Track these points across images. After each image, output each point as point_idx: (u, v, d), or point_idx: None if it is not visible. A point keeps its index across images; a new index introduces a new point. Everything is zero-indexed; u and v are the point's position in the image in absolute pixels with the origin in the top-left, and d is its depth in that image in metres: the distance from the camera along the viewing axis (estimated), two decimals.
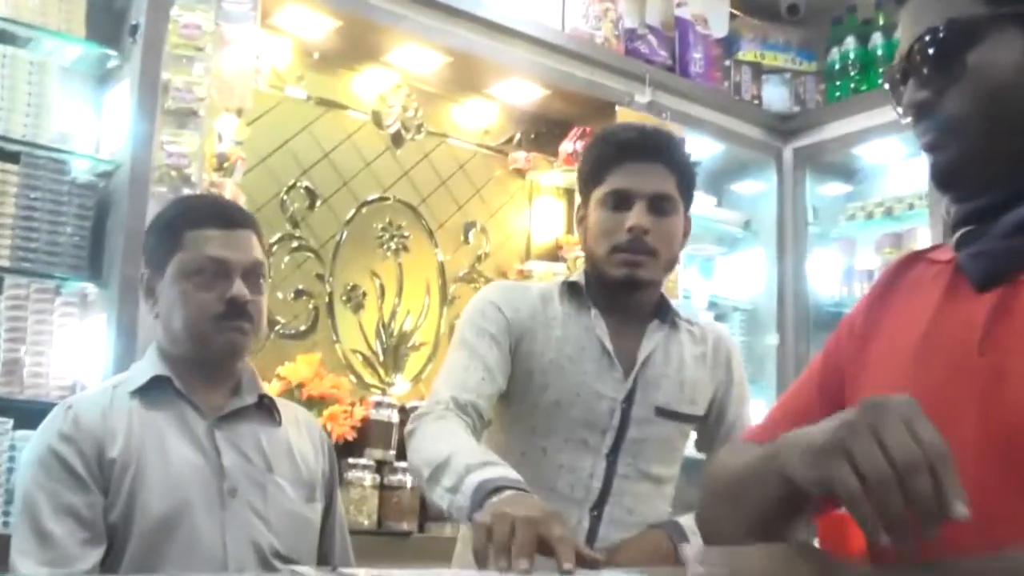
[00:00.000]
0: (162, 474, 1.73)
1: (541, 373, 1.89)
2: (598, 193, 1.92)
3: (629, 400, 1.91)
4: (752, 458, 1.11)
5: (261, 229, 1.95)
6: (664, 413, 1.94)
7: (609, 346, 1.91)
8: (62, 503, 1.66)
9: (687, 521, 1.88)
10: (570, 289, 1.97)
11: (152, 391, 1.82)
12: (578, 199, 2.05)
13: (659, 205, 1.89)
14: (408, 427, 1.80)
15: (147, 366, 1.87)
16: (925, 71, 1.12)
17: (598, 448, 1.89)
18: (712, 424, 2.01)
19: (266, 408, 1.93)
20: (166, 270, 1.84)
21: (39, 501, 1.66)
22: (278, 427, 1.92)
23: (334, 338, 3.77)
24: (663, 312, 2.00)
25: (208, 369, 1.86)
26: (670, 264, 1.94)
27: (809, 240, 4.79)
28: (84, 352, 2.98)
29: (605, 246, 1.89)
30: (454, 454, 1.60)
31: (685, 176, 1.94)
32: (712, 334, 2.07)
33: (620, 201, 1.89)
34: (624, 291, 1.92)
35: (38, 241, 2.97)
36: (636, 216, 1.86)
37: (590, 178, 1.96)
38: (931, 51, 1.11)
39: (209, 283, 1.81)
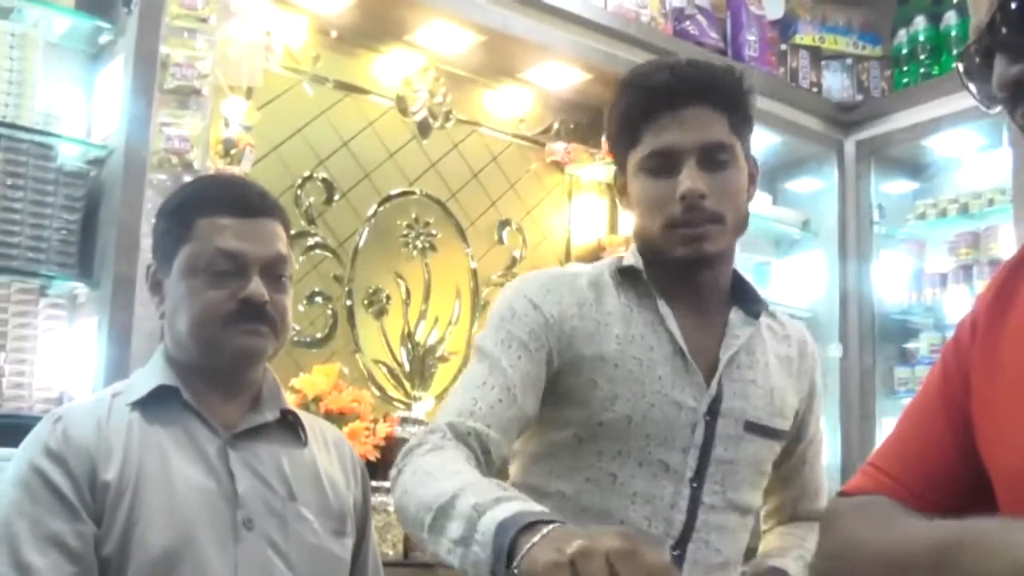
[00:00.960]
0: (165, 501, 1.54)
1: (607, 382, 1.52)
2: (635, 157, 1.57)
3: (713, 411, 1.55)
4: (921, 545, 0.93)
5: (287, 218, 1.74)
6: (754, 428, 1.59)
7: (683, 343, 1.55)
8: (46, 532, 1.48)
9: (795, 570, 1.61)
10: (626, 274, 1.61)
11: (156, 403, 1.63)
12: (613, 167, 1.69)
13: (713, 158, 1.53)
14: (394, 468, 1.43)
15: (151, 373, 1.67)
16: (1021, 40, 0.95)
17: (680, 472, 1.53)
18: (790, 442, 1.70)
19: (290, 425, 1.72)
20: (173, 263, 1.65)
21: (20, 529, 1.48)
22: (303, 448, 1.72)
23: (354, 347, 3.52)
24: (744, 298, 1.63)
25: (221, 379, 1.67)
26: (740, 225, 1.58)
27: (874, 241, 4.52)
28: (72, 360, 2.77)
29: (658, 221, 1.54)
30: (457, 494, 1.22)
31: (739, 111, 1.58)
32: (796, 333, 1.73)
33: (664, 163, 1.53)
34: (691, 272, 1.56)
35: (20, 235, 2.73)
36: (688, 179, 1.50)
37: (622, 140, 1.61)
38: None
39: (221, 279, 1.62)
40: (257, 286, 1.61)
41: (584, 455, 1.54)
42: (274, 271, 1.65)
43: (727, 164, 1.54)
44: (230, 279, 1.61)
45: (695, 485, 1.53)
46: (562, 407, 1.55)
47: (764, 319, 1.65)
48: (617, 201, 1.76)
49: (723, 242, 1.54)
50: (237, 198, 1.68)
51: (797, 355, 1.69)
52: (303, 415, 1.79)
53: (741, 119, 1.58)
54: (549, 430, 1.57)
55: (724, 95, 1.56)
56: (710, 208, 1.50)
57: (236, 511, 1.58)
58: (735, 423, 1.56)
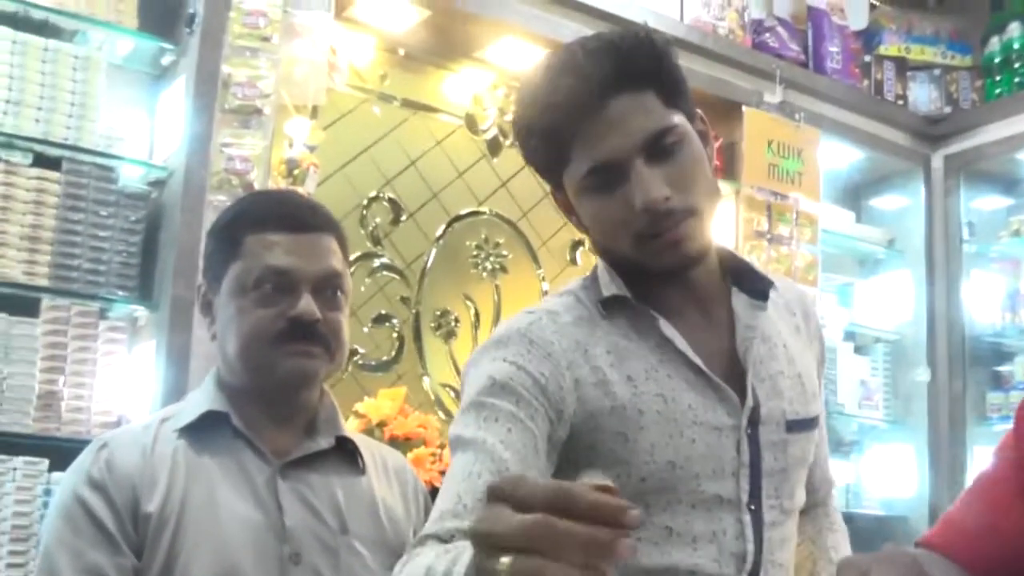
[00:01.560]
0: (209, 533, 1.49)
1: (637, 431, 1.32)
2: (572, 177, 1.36)
3: (754, 421, 1.38)
4: None
5: (343, 233, 1.67)
6: (796, 426, 1.42)
7: (700, 362, 1.37)
8: (86, 564, 1.44)
9: None
10: (612, 304, 1.41)
11: (205, 429, 1.57)
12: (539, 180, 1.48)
13: (659, 147, 1.32)
14: None
15: (201, 398, 1.62)
16: None
17: (735, 500, 1.36)
18: None
19: (348, 452, 1.65)
20: (223, 282, 1.60)
21: (59, 561, 1.45)
22: (360, 476, 1.65)
23: (421, 370, 3.42)
24: (739, 275, 1.44)
25: (272, 403, 1.60)
26: (714, 197, 1.38)
27: (964, 260, 4.35)
28: (131, 384, 2.73)
29: (625, 238, 1.34)
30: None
31: (664, 77, 1.34)
32: (790, 292, 1.55)
33: (608, 176, 1.33)
34: (679, 274, 1.38)
35: (80, 258, 2.71)
36: (641, 186, 1.30)
37: (548, 162, 1.40)
38: None
39: (270, 298, 1.56)
40: (308, 304, 1.54)
41: None
42: (327, 288, 1.58)
43: (677, 146, 1.32)
44: (280, 297, 1.55)
45: (753, 508, 1.37)
46: (591, 469, 1.38)
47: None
48: (564, 216, 1.49)
49: (704, 232, 1.35)
50: (287, 213, 1.61)
51: (802, 318, 1.53)
52: (362, 440, 1.71)
53: (670, 84, 1.35)
54: None
55: (641, 71, 1.33)
56: (678, 205, 1.31)
57: (283, 545, 1.51)
58: (776, 427, 1.39)
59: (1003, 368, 4.29)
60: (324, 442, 1.62)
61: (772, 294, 1.44)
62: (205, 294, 1.64)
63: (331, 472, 1.61)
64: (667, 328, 1.36)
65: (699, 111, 1.40)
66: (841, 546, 1.57)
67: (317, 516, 1.55)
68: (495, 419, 1.26)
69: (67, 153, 2.71)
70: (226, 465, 1.54)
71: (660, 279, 1.37)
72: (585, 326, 1.37)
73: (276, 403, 1.60)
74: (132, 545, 1.46)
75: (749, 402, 1.36)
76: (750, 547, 1.34)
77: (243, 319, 1.55)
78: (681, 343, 1.36)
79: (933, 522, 4.09)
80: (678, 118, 1.33)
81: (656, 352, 1.36)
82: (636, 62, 1.31)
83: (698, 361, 1.35)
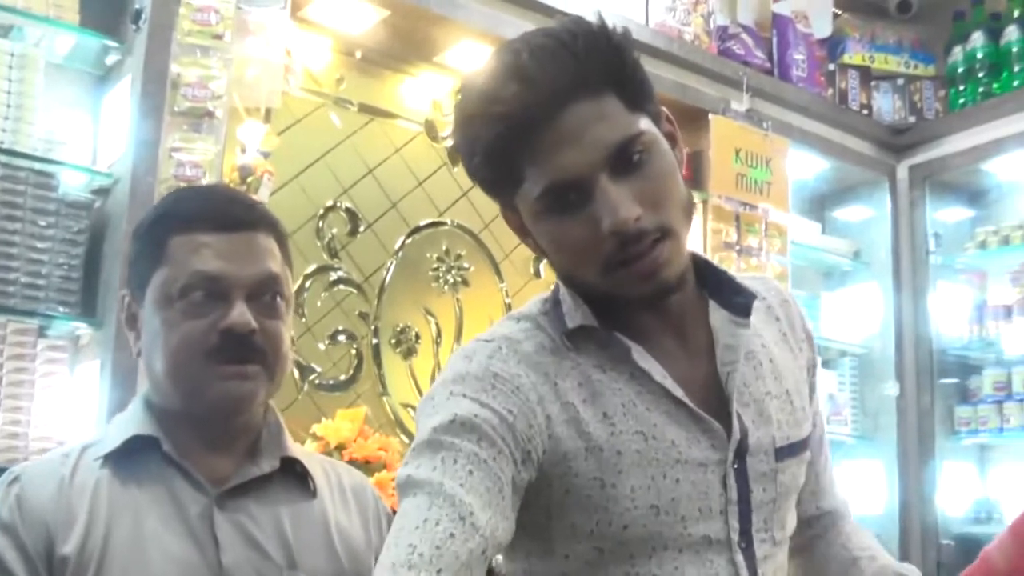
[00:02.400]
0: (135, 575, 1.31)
1: (615, 475, 1.19)
2: (526, 198, 1.19)
3: (741, 452, 1.23)
4: None
5: (283, 230, 1.51)
6: (786, 452, 1.28)
7: (681, 393, 1.22)
8: None
9: None
10: (578, 335, 1.25)
11: (132, 457, 1.39)
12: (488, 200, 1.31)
13: (625, 158, 1.15)
14: None
15: (127, 422, 1.43)
16: None
17: (724, 539, 1.22)
18: None
19: (296, 475, 1.48)
20: (147, 291, 1.42)
21: None
22: (311, 500, 1.48)
23: (381, 390, 3.27)
24: (716, 286, 1.30)
25: (206, 428, 1.43)
26: (688, 210, 1.22)
27: (930, 272, 4.31)
28: (73, 407, 2.56)
29: (592, 266, 1.18)
30: None
31: (626, 78, 1.18)
32: (771, 295, 1.39)
33: (567, 195, 1.16)
34: (651, 301, 1.23)
35: (17, 271, 2.53)
36: (608, 207, 1.14)
37: (496, 182, 1.23)
38: None
39: (200, 308, 1.38)
40: (241, 313, 1.38)
41: (612, 567, 1.21)
42: (264, 293, 1.42)
43: (645, 156, 1.16)
44: (211, 307, 1.38)
45: (744, 546, 1.23)
46: (565, 517, 1.21)
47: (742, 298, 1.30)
48: (521, 241, 1.31)
49: (682, 253, 1.21)
50: (216, 210, 1.44)
51: (787, 323, 1.38)
52: (314, 459, 1.55)
53: (633, 84, 1.18)
54: (556, 547, 1.22)
55: (598, 72, 1.15)
56: (650, 225, 1.15)
57: None
58: (765, 456, 1.25)
59: (971, 382, 4.24)
60: (267, 465, 1.45)
61: (755, 302, 1.30)
62: (129, 305, 1.47)
63: (277, 499, 1.45)
64: (642, 358, 1.21)
65: (665, 110, 1.24)
66: (873, 545, 1.46)
67: (259, 551, 1.39)
68: (453, 460, 1.10)
69: (2, 158, 2.52)
70: (156, 496, 1.37)
71: (632, 305, 1.22)
72: (550, 356, 1.22)
73: (212, 427, 1.43)
74: None
75: (735, 433, 1.22)
76: None
77: (170, 333, 1.39)
78: (659, 373, 1.21)
79: (903, 539, 4.01)
80: (644, 123, 1.17)
81: (632, 384, 1.21)
82: (592, 62, 1.14)
83: (678, 393, 1.21)
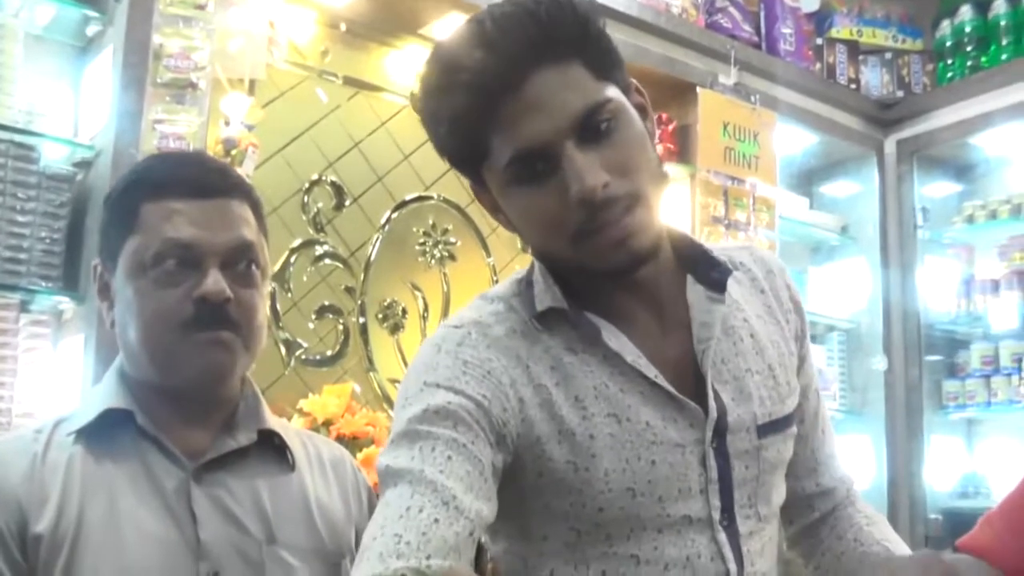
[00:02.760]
0: (112, 553, 1.28)
1: (588, 459, 1.17)
2: (493, 170, 1.17)
3: (720, 431, 1.21)
4: None
5: (257, 197, 1.47)
6: (769, 428, 1.26)
7: (655, 375, 1.20)
8: None
9: None
10: (548, 317, 1.23)
11: (106, 431, 1.35)
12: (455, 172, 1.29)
13: (592, 126, 1.13)
14: None
15: (101, 396, 1.40)
16: None
17: (706, 518, 1.21)
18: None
19: (274, 448, 1.45)
20: (119, 260, 1.40)
21: None
22: (290, 474, 1.45)
23: (368, 365, 3.24)
24: (693, 260, 1.27)
25: (182, 400, 1.40)
26: (659, 178, 1.20)
27: (918, 247, 4.30)
28: (56, 383, 2.53)
29: (562, 237, 1.16)
30: None
31: (591, 46, 1.16)
32: (756, 264, 1.36)
33: (534, 164, 1.14)
34: (623, 275, 1.21)
35: None
36: (575, 174, 1.12)
37: (463, 154, 1.20)
38: None
39: (173, 276, 1.36)
40: (216, 281, 1.35)
41: (589, 548, 1.20)
42: (239, 261, 1.39)
43: (613, 124, 1.15)
44: (184, 275, 1.36)
45: (725, 524, 1.22)
46: (540, 498, 1.19)
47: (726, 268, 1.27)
48: (487, 211, 1.29)
49: (653, 221, 1.18)
50: (188, 176, 1.41)
51: (772, 293, 1.34)
52: (292, 431, 1.52)
53: (599, 52, 1.16)
54: (533, 528, 1.21)
55: (563, 38, 1.13)
56: (619, 192, 1.13)
57: (199, 562, 1.31)
58: (747, 434, 1.23)
59: (959, 357, 4.24)
60: (244, 438, 1.42)
61: (737, 274, 1.29)
62: (101, 275, 1.44)
63: (254, 472, 1.42)
64: (613, 339, 1.19)
65: (635, 81, 1.22)
66: (889, 536, 1.42)
67: (238, 525, 1.36)
68: (432, 448, 1.08)
69: None
70: (130, 472, 1.34)
71: (605, 277, 1.20)
72: (521, 339, 1.20)
73: (187, 399, 1.40)
74: (20, 574, 1.26)
75: (712, 412, 1.20)
76: (732, 567, 1.20)
77: (143, 303, 1.36)
78: (631, 354, 1.19)
79: (891, 514, 4.00)
80: (611, 91, 1.15)
81: (605, 365, 1.20)
82: (557, 28, 1.12)
83: (651, 373, 1.19)
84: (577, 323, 1.20)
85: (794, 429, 1.31)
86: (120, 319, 1.39)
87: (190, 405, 1.40)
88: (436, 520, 1.02)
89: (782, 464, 1.30)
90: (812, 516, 1.43)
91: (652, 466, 1.17)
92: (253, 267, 1.40)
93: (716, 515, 1.20)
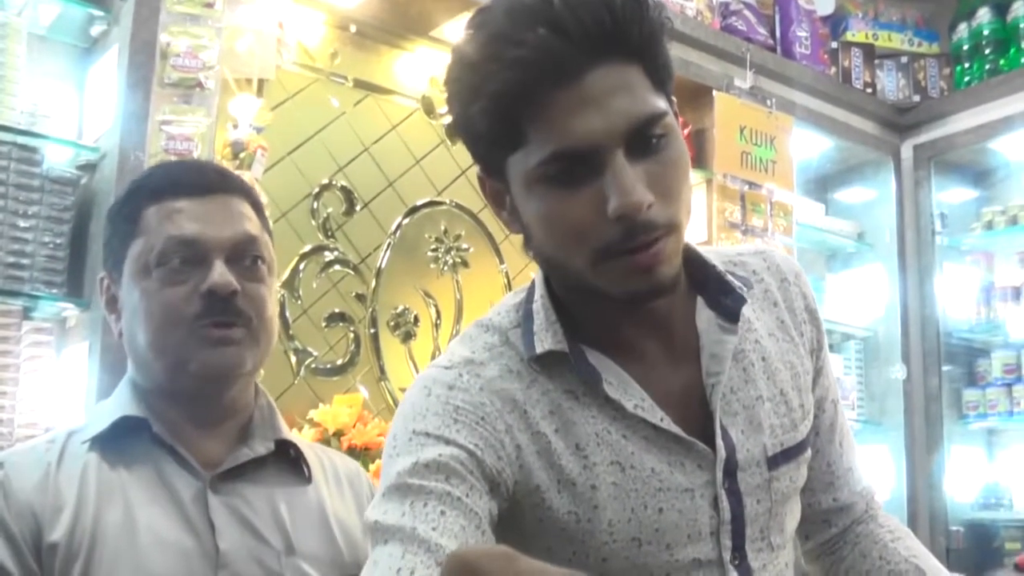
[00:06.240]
0: (128, 563, 1.26)
1: (590, 509, 1.09)
2: (524, 162, 1.05)
3: (730, 470, 1.13)
4: None
5: (257, 197, 1.48)
6: (780, 458, 1.18)
7: (655, 415, 1.11)
8: None
9: None
10: (545, 357, 1.13)
11: (120, 440, 1.34)
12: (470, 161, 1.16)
13: (644, 139, 1.03)
14: None
15: (114, 405, 1.39)
16: None
17: (716, 558, 1.14)
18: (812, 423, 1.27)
19: (290, 459, 1.45)
20: (124, 267, 1.39)
21: None
22: (306, 485, 1.45)
23: (379, 374, 3.17)
24: (704, 282, 1.18)
25: (195, 404, 1.38)
26: (689, 215, 1.09)
27: (936, 253, 4.23)
28: (60, 391, 2.46)
29: (583, 252, 1.05)
30: None
31: (654, 51, 1.05)
32: (769, 275, 1.27)
33: (576, 165, 1.02)
34: (638, 304, 1.11)
35: (0, 250, 2.42)
36: (621, 186, 1.00)
37: (492, 140, 1.07)
38: None
39: (179, 274, 1.35)
40: (222, 274, 1.34)
41: None
42: (244, 256, 1.39)
43: (664, 141, 1.04)
44: (190, 272, 1.35)
45: (737, 562, 1.14)
46: (541, 541, 1.11)
47: (736, 284, 1.18)
48: (496, 214, 1.16)
49: (679, 253, 1.09)
50: (188, 177, 1.42)
51: (785, 305, 1.25)
52: (308, 445, 1.51)
53: (660, 62, 1.06)
54: None
55: (634, 38, 1.02)
56: (659, 217, 1.02)
57: (217, 572, 1.30)
58: (757, 468, 1.15)
59: (979, 365, 4.16)
60: (261, 447, 1.41)
61: (746, 277, 1.20)
62: (108, 288, 1.43)
63: (272, 482, 1.41)
64: (614, 383, 1.10)
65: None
66: (917, 550, 1.33)
67: (257, 535, 1.35)
68: (424, 503, 1.00)
69: None
70: (146, 480, 1.33)
71: (616, 303, 1.09)
72: (517, 380, 1.11)
73: (200, 403, 1.39)
74: None
75: (721, 452, 1.12)
76: None
77: (150, 303, 1.35)
78: (634, 398, 1.10)
79: (912, 526, 3.93)
80: (665, 105, 1.05)
81: (607, 409, 1.11)
82: (630, 25, 1.01)
83: (655, 418, 1.10)
84: (577, 368, 1.11)
85: (808, 454, 1.23)
86: (128, 325, 1.37)
87: (203, 410, 1.38)
88: None
89: (794, 492, 1.22)
90: (830, 532, 1.35)
91: (659, 514, 1.10)
92: (259, 262, 1.40)
93: (727, 555, 1.13)
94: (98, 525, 1.27)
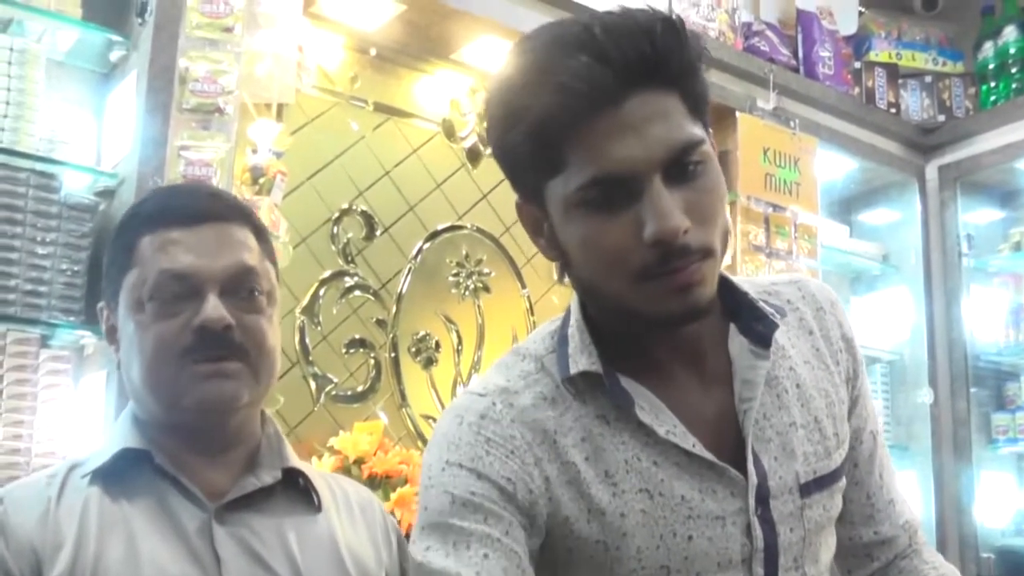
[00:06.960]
0: None
1: (619, 538, 1.10)
2: (563, 188, 1.07)
3: (763, 497, 1.13)
4: None
5: (259, 222, 1.43)
6: (813, 486, 1.17)
7: (687, 441, 1.11)
8: None
9: None
10: (579, 379, 1.15)
11: (123, 472, 1.32)
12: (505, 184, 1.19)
13: (682, 165, 1.05)
14: None
15: (115, 437, 1.37)
16: None
17: None
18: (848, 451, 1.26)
19: (299, 488, 1.41)
20: (120, 298, 1.37)
21: None
22: (316, 515, 1.40)
23: (400, 401, 3.13)
24: (737, 310, 1.19)
25: (196, 437, 1.35)
26: (726, 242, 1.11)
27: (963, 275, 4.16)
28: (78, 420, 2.42)
29: (622, 276, 1.07)
30: None
31: (692, 79, 1.07)
32: (805, 300, 1.28)
33: (614, 191, 1.05)
34: (674, 326, 1.12)
35: (18, 278, 2.39)
36: (659, 212, 1.03)
37: (531, 165, 1.09)
38: None
39: (171, 307, 1.32)
40: (215, 308, 1.30)
41: None
42: (240, 288, 1.34)
43: (701, 168, 1.07)
44: (183, 306, 1.31)
45: None
46: (572, 572, 1.14)
47: (768, 311, 1.19)
48: (531, 238, 1.20)
49: (716, 279, 1.10)
50: (181, 204, 1.37)
51: (820, 333, 1.25)
52: (319, 474, 1.47)
53: (697, 92, 1.08)
54: None
55: (672, 66, 1.05)
56: (695, 242, 1.04)
57: None
58: (789, 495, 1.15)
59: (1008, 388, 4.10)
60: (268, 476, 1.37)
61: (780, 305, 1.22)
62: (107, 318, 1.40)
63: (280, 512, 1.37)
64: (647, 409, 1.11)
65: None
66: None
67: (265, 567, 1.31)
68: (466, 545, 1.07)
69: (2, 158, 2.39)
70: (149, 512, 1.29)
71: (653, 327, 1.12)
72: (550, 408, 1.14)
73: (200, 435, 1.35)
74: None
75: (752, 479, 1.12)
76: None
77: (143, 337, 1.32)
78: (665, 424, 1.11)
79: (941, 553, 3.86)
80: (702, 133, 1.08)
81: (639, 435, 1.12)
82: (670, 53, 1.04)
83: (687, 444, 1.11)
84: (611, 391, 1.12)
85: (842, 482, 1.22)
86: (125, 357, 1.35)
87: (203, 442, 1.35)
88: None
89: (829, 522, 1.21)
90: (872, 566, 1.33)
91: (689, 541, 1.10)
92: (256, 293, 1.35)
93: None
94: (100, 561, 1.24)
